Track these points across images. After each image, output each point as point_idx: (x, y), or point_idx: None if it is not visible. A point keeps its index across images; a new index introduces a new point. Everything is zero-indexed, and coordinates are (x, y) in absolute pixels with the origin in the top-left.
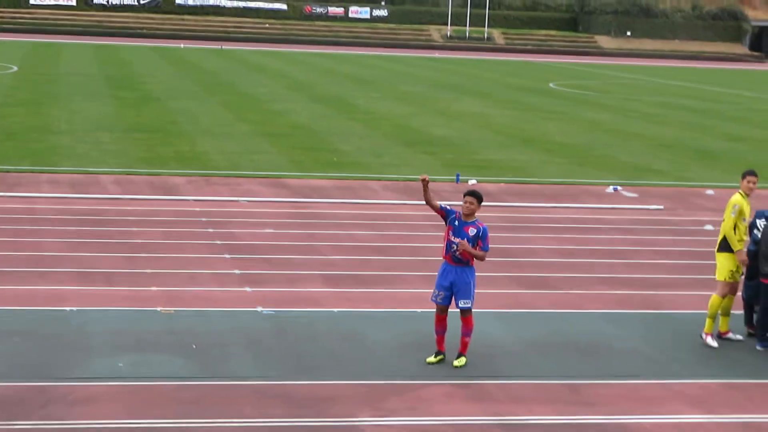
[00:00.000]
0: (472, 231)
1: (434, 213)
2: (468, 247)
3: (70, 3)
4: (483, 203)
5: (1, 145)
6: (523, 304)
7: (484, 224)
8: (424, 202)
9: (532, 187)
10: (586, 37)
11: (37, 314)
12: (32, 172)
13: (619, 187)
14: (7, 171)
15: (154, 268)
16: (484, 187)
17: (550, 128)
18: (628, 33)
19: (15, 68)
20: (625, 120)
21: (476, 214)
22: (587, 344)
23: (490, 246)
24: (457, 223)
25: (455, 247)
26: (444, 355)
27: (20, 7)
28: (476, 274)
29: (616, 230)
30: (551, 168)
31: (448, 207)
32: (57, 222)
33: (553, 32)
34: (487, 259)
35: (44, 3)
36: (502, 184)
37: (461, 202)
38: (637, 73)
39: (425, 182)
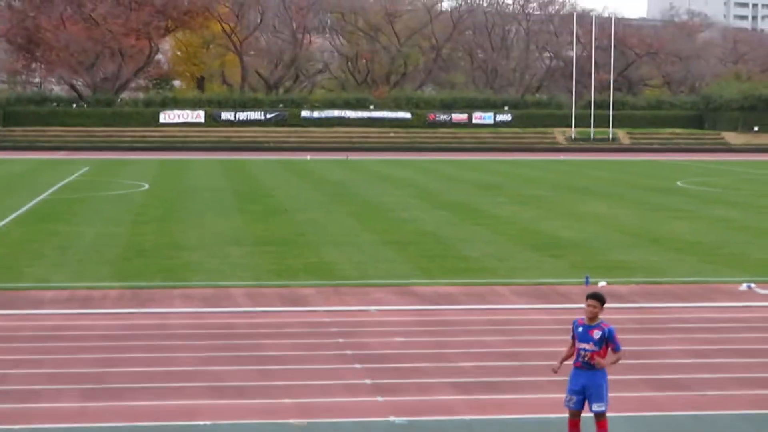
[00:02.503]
0: (597, 334)
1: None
2: (602, 361)
3: (198, 120)
4: (613, 305)
5: (134, 262)
6: (656, 407)
7: (609, 324)
8: (552, 306)
9: (662, 287)
10: (713, 134)
11: (171, 430)
12: (164, 287)
13: (752, 285)
14: (140, 287)
15: (285, 380)
16: (614, 289)
17: (679, 227)
18: (756, 128)
19: (146, 185)
20: (757, 216)
21: (600, 316)
22: None
23: (621, 345)
24: (581, 329)
25: (583, 354)
26: None
27: (150, 126)
28: (608, 377)
29: (750, 329)
30: (681, 267)
31: (571, 329)
32: (189, 336)
33: (678, 130)
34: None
35: (173, 121)
36: (633, 285)
37: (584, 306)
38: (766, 169)
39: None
